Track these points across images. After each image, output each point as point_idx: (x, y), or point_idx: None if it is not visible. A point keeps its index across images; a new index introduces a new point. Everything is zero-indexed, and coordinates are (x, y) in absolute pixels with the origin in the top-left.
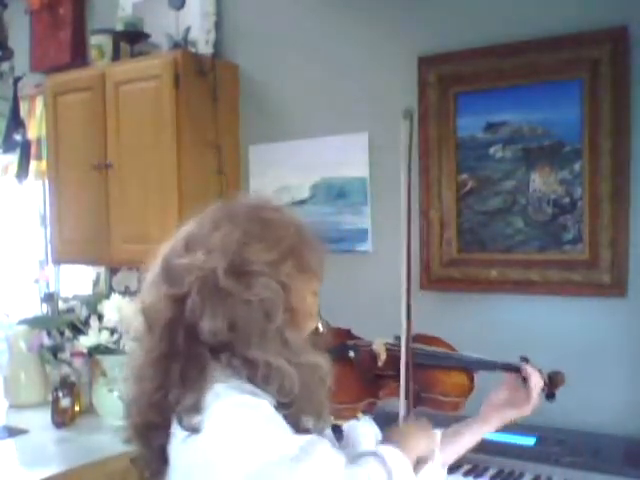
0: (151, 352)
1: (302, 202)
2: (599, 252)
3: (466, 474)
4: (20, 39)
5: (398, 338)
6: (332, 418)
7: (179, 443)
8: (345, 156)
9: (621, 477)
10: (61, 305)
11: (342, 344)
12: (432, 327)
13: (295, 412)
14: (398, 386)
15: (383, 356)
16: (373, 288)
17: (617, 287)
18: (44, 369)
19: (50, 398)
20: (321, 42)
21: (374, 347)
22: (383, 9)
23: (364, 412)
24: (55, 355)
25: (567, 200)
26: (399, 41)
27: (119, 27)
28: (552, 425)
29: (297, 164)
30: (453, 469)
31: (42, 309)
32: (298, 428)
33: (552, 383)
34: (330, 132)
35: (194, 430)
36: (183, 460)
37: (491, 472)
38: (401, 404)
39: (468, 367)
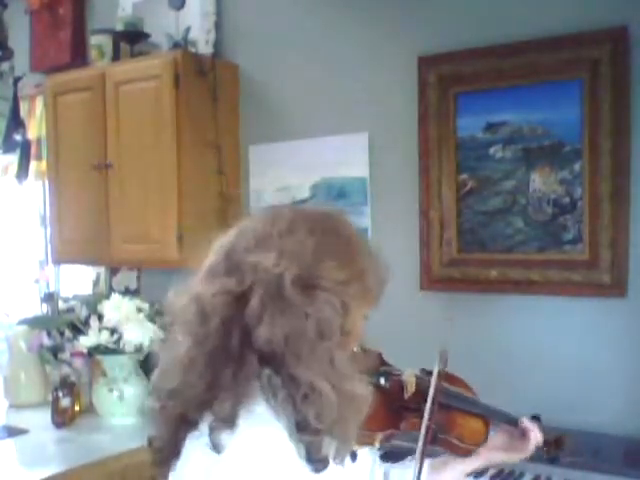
0: (203, 345)
1: (302, 202)
2: (599, 252)
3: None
4: (20, 39)
5: (424, 371)
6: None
7: (201, 445)
8: (345, 156)
9: (621, 477)
10: (61, 305)
11: (376, 370)
12: (432, 327)
13: (321, 438)
14: (419, 421)
15: (412, 388)
16: None
17: (617, 287)
18: (44, 369)
19: (50, 398)
20: (321, 42)
21: (404, 378)
22: (383, 9)
23: (382, 441)
24: (55, 355)
25: (567, 200)
26: (399, 41)
27: (119, 27)
28: (552, 425)
29: (297, 164)
30: None
31: (42, 309)
32: (318, 454)
33: (558, 446)
34: (330, 132)
35: (217, 448)
36: (192, 463)
37: (491, 472)
38: (420, 442)
39: (488, 416)
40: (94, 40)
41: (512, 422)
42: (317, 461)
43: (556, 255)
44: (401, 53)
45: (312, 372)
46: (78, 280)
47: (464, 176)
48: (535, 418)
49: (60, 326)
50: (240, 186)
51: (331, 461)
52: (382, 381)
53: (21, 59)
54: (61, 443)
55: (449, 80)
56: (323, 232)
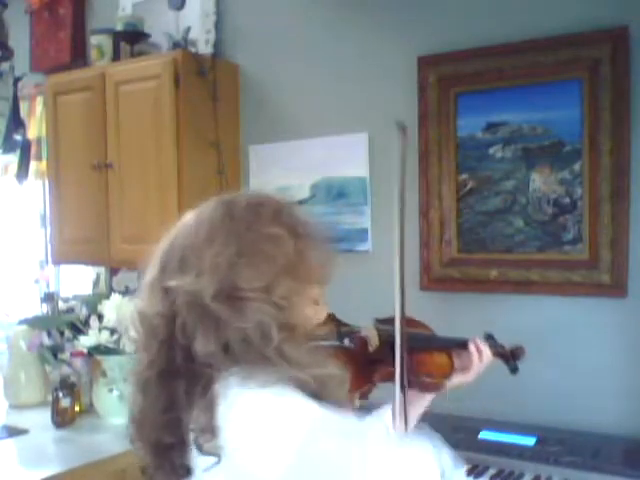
0: (152, 366)
1: (302, 202)
2: (599, 252)
3: (466, 474)
4: (20, 39)
5: (379, 321)
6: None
7: (210, 468)
8: (345, 156)
9: (621, 477)
10: (61, 305)
11: (337, 333)
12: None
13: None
14: (390, 370)
15: (376, 341)
16: (373, 287)
17: (617, 287)
18: (44, 369)
19: (50, 398)
20: (321, 42)
21: (364, 333)
22: (383, 9)
23: (360, 398)
24: (55, 355)
25: (567, 200)
26: (399, 41)
27: (119, 27)
28: (552, 425)
29: (297, 164)
30: None
31: (42, 309)
32: None
33: (514, 357)
34: (330, 132)
35: (219, 450)
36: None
37: (491, 472)
38: (397, 390)
39: (447, 347)
40: (94, 40)
41: (462, 344)
42: None
43: (556, 255)
44: (401, 53)
45: (271, 376)
46: (78, 280)
47: (464, 176)
48: (489, 337)
49: (60, 326)
50: (240, 186)
51: None
52: (347, 342)
53: (21, 59)
54: (61, 443)
55: (449, 80)
56: (241, 235)
